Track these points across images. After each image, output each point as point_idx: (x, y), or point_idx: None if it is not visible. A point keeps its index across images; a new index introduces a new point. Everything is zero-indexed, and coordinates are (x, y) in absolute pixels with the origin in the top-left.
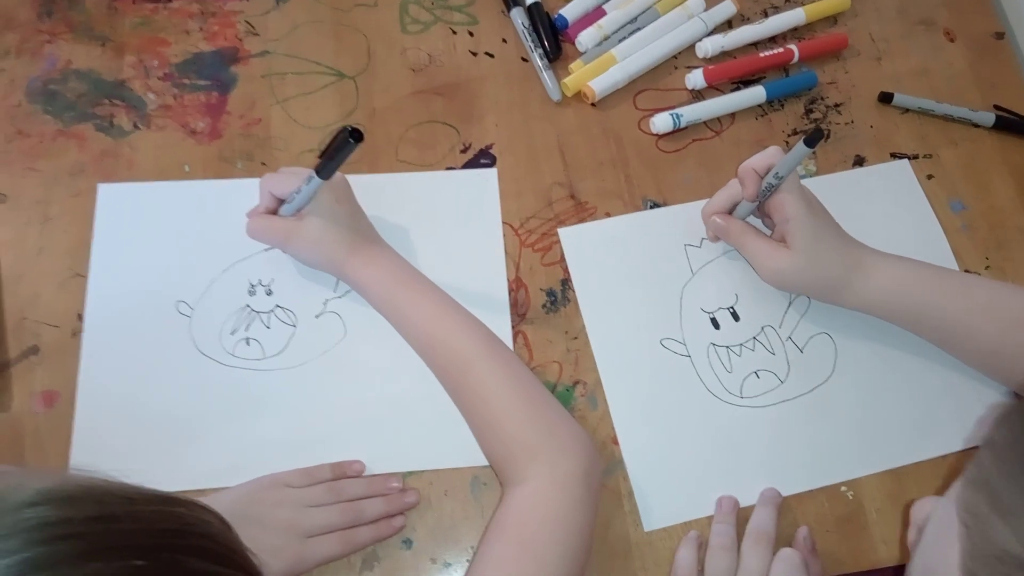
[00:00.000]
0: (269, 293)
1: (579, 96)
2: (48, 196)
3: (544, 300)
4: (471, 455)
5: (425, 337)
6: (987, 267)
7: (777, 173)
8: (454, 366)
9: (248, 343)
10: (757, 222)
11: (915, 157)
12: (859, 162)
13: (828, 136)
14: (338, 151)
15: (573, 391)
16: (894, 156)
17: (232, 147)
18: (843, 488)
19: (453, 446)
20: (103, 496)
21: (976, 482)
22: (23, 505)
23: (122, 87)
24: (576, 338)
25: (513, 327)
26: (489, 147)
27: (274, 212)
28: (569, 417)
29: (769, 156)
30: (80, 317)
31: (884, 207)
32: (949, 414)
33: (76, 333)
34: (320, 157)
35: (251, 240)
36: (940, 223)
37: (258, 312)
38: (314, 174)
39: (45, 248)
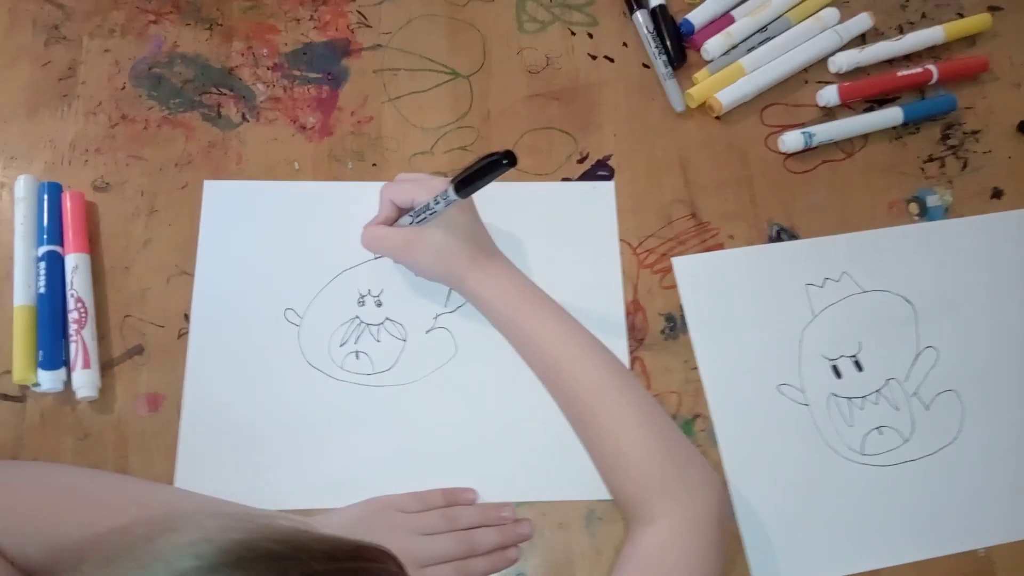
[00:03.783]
0: (379, 304)
1: (703, 108)
2: (154, 187)
3: (663, 325)
4: (587, 488)
5: (550, 361)
6: None
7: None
8: (581, 395)
9: (358, 356)
10: None
11: None
12: (996, 195)
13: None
14: (487, 172)
15: (693, 425)
16: None
17: (343, 146)
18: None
19: (568, 477)
20: (307, 553)
21: None
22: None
23: (230, 76)
24: (696, 368)
25: (630, 352)
26: (607, 158)
27: (392, 222)
28: (700, 455)
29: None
30: (186, 318)
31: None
32: None
33: (182, 334)
34: (461, 175)
35: (360, 248)
36: None
37: (368, 324)
38: (451, 191)
39: (152, 241)
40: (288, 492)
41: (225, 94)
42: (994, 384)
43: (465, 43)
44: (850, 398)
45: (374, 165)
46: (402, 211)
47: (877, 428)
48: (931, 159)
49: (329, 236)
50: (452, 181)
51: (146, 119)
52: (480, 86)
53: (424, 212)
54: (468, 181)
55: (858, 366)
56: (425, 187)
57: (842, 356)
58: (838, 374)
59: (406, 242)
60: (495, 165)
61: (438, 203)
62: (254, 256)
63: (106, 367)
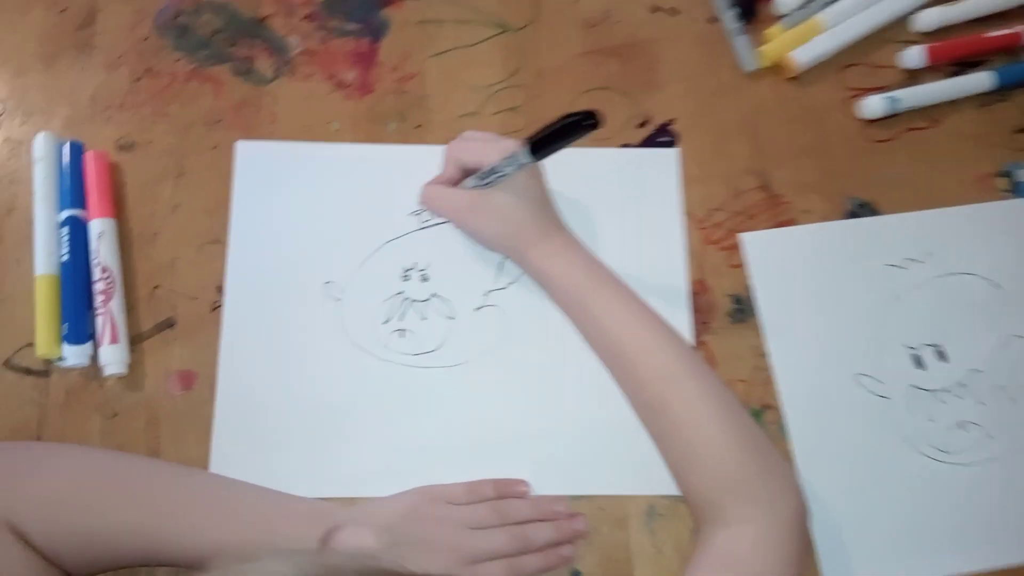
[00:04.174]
0: (424, 279)
1: (775, 68)
2: (182, 146)
3: (730, 307)
4: (648, 482)
5: (617, 344)
6: None
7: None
8: (652, 381)
9: (403, 335)
10: None
11: None
12: None
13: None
14: (566, 134)
15: (762, 417)
16: None
17: (384, 104)
18: None
19: (628, 470)
20: None
21: None
22: None
23: (262, 26)
24: (765, 355)
25: (695, 336)
26: (670, 123)
27: (455, 183)
28: (779, 456)
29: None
30: (219, 290)
31: None
32: None
33: (215, 307)
34: (537, 135)
35: (405, 217)
36: None
37: (413, 300)
38: (523, 153)
39: (181, 206)
40: (330, 479)
41: (257, 46)
42: None
43: None
44: (932, 391)
45: (418, 127)
46: (467, 172)
47: (960, 423)
48: (1021, 130)
49: (371, 204)
50: (526, 142)
51: (172, 73)
52: (531, 41)
53: (492, 175)
54: (544, 143)
55: (941, 356)
56: (496, 147)
57: (925, 345)
58: (920, 364)
59: (470, 205)
60: (575, 127)
61: (508, 165)
62: (291, 224)
63: (135, 341)
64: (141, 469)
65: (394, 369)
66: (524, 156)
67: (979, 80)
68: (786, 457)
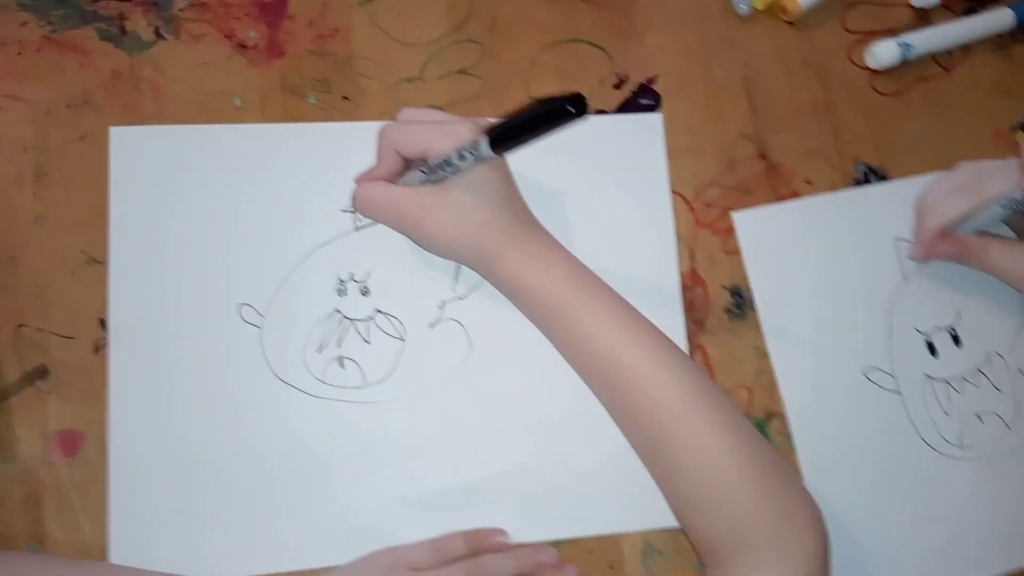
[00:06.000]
0: (365, 293)
1: (772, 10)
2: (41, 139)
3: (727, 302)
4: (642, 516)
5: (609, 369)
6: None
7: None
8: (654, 412)
9: (342, 365)
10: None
11: None
12: None
13: None
14: (542, 125)
15: (767, 426)
16: None
17: (300, 71)
18: None
19: (619, 505)
20: None
21: None
22: None
23: None
24: (768, 355)
25: (689, 340)
26: (651, 81)
27: (395, 177)
28: (799, 482)
29: None
30: (103, 325)
31: None
32: None
33: (100, 347)
34: (503, 126)
35: (337, 216)
36: None
37: (353, 320)
38: (484, 145)
39: (45, 217)
40: (263, 553)
41: (129, 1)
42: None
43: None
44: (948, 380)
45: (345, 99)
46: (410, 163)
47: (977, 414)
48: None
49: (292, 201)
50: (488, 133)
51: (20, 41)
52: None
53: (444, 168)
54: (510, 135)
55: (956, 340)
56: (446, 132)
57: (937, 328)
58: (933, 351)
59: (418, 208)
60: (556, 116)
61: (464, 159)
62: (189, 233)
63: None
64: (16, 571)
65: (334, 407)
66: (484, 149)
67: (999, 19)
68: (795, 470)
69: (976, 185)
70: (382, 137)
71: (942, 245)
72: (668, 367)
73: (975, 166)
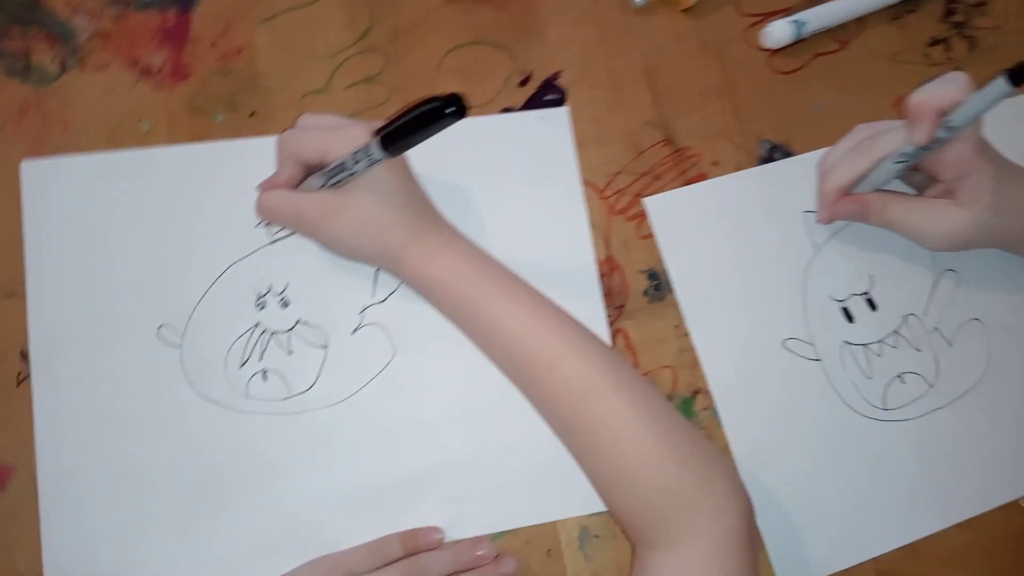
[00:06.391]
0: (285, 304)
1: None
2: None
3: (646, 285)
4: (577, 502)
5: (523, 356)
6: None
7: (951, 122)
8: (567, 396)
9: (266, 377)
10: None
11: None
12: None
13: None
14: (423, 124)
15: (693, 404)
16: None
17: (206, 91)
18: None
19: (553, 493)
20: None
21: None
22: None
23: (36, 8)
24: (689, 334)
25: (610, 324)
26: (555, 76)
27: (296, 183)
28: (719, 453)
29: (955, 88)
30: (24, 356)
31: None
32: None
33: (22, 380)
34: (389, 126)
35: (251, 231)
36: None
37: (274, 332)
38: (375, 147)
39: None
40: (207, 567)
41: (33, 35)
42: (1020, 307)
43: None
44: (866, 344)
45: (253, 115)
46: (310, 169)
47: (899, 376)
48: (934, 42)
49: (205, 219)
50: (376, 134)
51: None
52: None
53: (340, 172)
54: (398, 135)
55: (871, 305)
56: (341, 136)
57: (852, 295)
58: (850, 317)
59: (319, 212)
60: (434, 116)
61: (358, 162)
62: (105, 259)
63: None
64: None
65: (261, 420)
66: (376, 151)
67: None
68: (723, 445)
69: (870, 144)
70: (281, 145)
71: (843, 204)
72: (579, 350)
73: (869, 127)
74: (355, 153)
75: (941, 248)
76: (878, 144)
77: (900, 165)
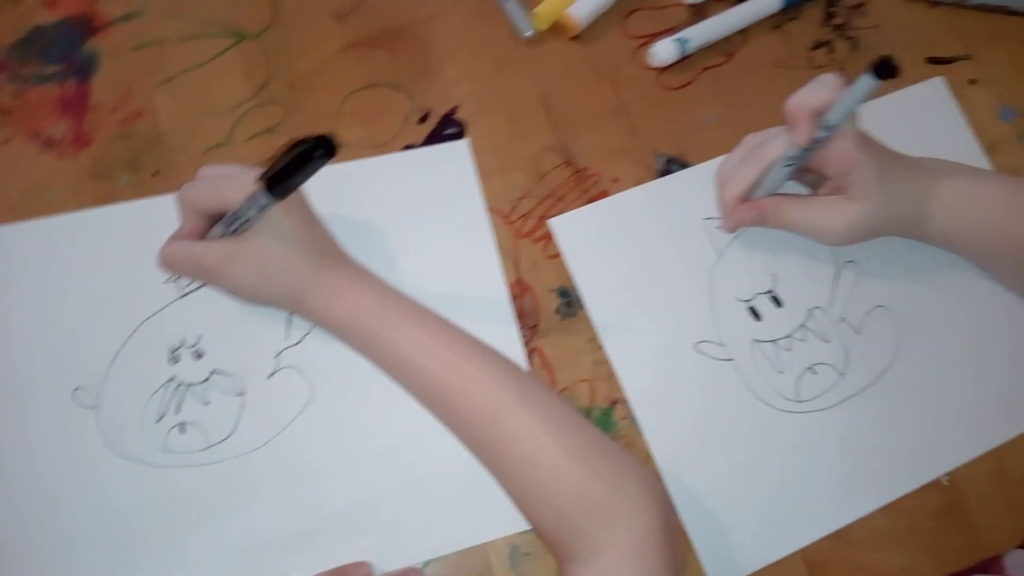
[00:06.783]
0: (198, 356)
1: (556, 29)
2: None
3: (557, 303)
4: (505, 522)
5: (433, 384)
6: None
7: (827, 121)
8: (478, 420)
9: (183, 430)
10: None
11: (952, 60)
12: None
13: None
14: (298, 166)
15: (612, 414)
16: (931, 62)
17: (109, 156)
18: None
19: (480, 515)
20: None
21: None
22: None
23: None
24: (603, 346)
25: (525, 344)
26: (454, 111)
27: (200, 234)
28: (631, 458)
29: (827, 88)
30: None
31: (917, 137)
32: None
33: None
34: (268, 171)
35: (158, 287)
36: (988, 139)
37: (190, 385)
38: (260, 193)
39: None
40: None
41: None
42: (922, 290)
43: None
44: (775, 340)
45: (156, 174)
46: (213, 219)
47: (809, 368)
48: (818, 45)
49: (114, 279)
50: (259, 179)
51: None
52: (276, 45)
53: (236, 220)
54: (278, 178)
55: (777, 302)
56: (236, 184)
57: (758, 294)
58: (757, 316)
59: (218, 260)
60: (306, 157)
61: (250, 208)
62: (16, 328)
63: None
64: None
65: (181, 473)
66: (262, 196)
67: (766, 2)
68: (644, 452)
69: (759, 152)
70: (181, 197)
71: (742, 212)
72: (487, 373)
73: (756, 135)
74: (247, 200)
75: (839, 243)
76: (766, 151)
77: (789, 168)
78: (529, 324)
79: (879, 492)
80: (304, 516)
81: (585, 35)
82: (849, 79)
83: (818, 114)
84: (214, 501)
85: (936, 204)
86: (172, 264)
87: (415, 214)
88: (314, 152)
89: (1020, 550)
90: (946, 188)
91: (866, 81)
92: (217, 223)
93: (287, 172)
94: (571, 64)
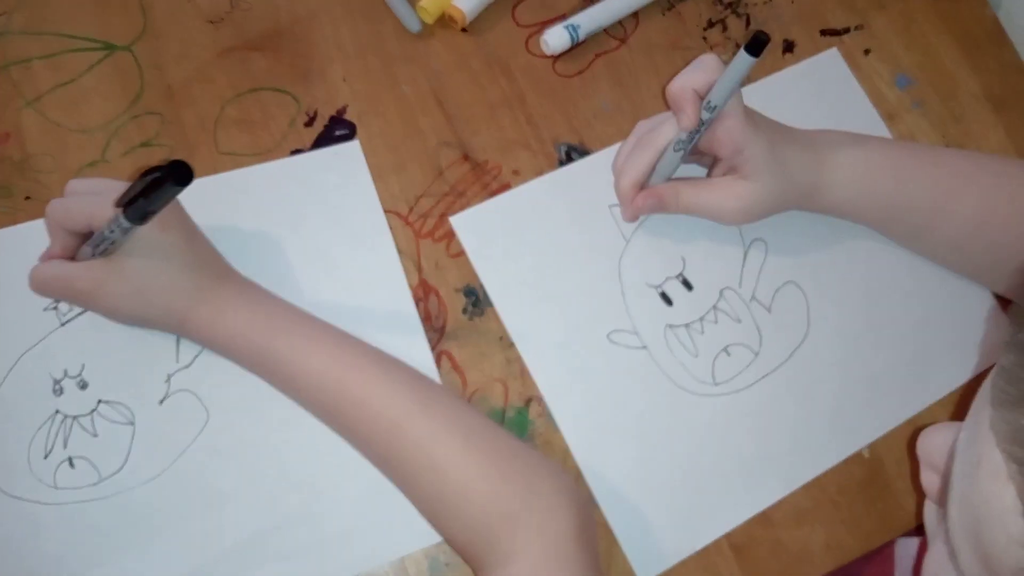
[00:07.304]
0: (83, 386)
1: (444, 22)
2: None
3: (464, 303)
4: (420, 535)
5: (329, 399)
6: (946, 145)
7: (711, 103)
8: (379, 432)
9: (72, 464)
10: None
11: (846, 31)
12: (789, 48)
13: (768, 39)
14: (153, 193)
15: (527, 412)
16: (824, 34)
17: None
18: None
19: (393, 530)
20: None
21: (1014, 401)
22: None
23: None
24: (515, 344)
25: (433, 348)
26: (342, 111)
27: (72, 254)
28: (543, 459)
29: (706, 70)
30: None
31: (817, 109)
32: (949, 343)
33: None
34: (125, 195)
35: (36, 317)
36: (887, 107)
37: (76, 417)
38: (121, 217)
39: None
40: None
41: None
42: (830, 263)
43: (113, 1)
44: (687, 324)
45: (28, 198)
46: (82, 237)
47: (724, 349)
48: (711, 24)
49: None
50: (117, 204)
51: None
52: (149, 55)
53: (103, 242)
54: (137, 205)
55: (687, 285)
56: (106, 202)
57: (668, 279)
58: (668, 301)
59: (92, 283)
60: (158, 184)
61: (113, 231)
62: None
63: None
64: None
65: (74, 509)
66: (123, 220)
67: None
68: (563, 450)
69: (651, 138)
70: (49, 215)
71: (641, 200)
72: (384, 381)
73: (647, 121)
74: (108, 222)
75: (739, 222)
76: (657, 136)
77: (680, 152)
78: (435, 327)
79: (801, 470)
80: (209, 544)
81: (474, 27)
82: (720, 59)
83: (700, 96)
84: (110, 536)
85: (828, 176)
86: (43, 287)
87: (307, 222)
88: (166, 180)
89: (910, 538)
90: (836, 159)
91: (743, 59)
92: (86, 242)
93: (143, 199)
94: (462, 57)
